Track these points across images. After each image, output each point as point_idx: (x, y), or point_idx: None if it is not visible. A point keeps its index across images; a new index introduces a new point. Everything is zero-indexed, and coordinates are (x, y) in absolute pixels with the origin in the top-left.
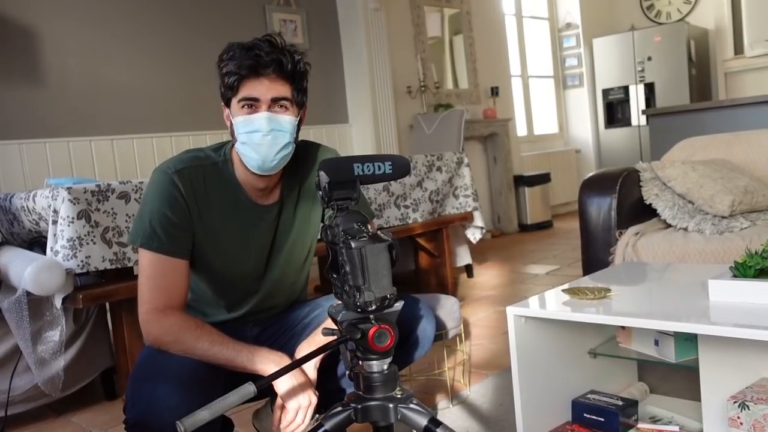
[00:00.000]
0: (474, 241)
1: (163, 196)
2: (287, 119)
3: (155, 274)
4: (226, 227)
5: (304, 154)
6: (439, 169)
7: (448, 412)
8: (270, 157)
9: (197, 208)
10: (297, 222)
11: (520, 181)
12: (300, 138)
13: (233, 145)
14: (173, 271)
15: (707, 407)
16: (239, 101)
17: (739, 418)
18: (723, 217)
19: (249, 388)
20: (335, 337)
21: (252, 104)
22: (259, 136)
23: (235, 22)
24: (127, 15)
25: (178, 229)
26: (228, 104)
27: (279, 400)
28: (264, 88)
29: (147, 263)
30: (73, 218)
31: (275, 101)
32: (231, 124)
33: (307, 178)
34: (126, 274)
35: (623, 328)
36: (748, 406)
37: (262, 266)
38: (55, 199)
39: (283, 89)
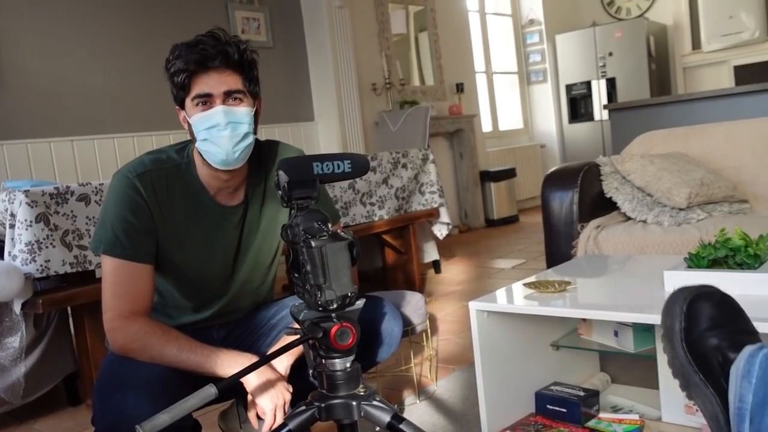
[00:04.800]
0: (441, 237)
1: (125, 201)
2: (243, 110)
3: (119, 280)
4: (190, 230)
5: (268, 153)
6: (404, 165)
7: (415, 408)
8: (231, 149)
9: (160, 212)
10: (263, 223)
11: (486, 177)
12: (261, 134)
13: (194, 146)
14: (137, 277)
15: (665, 395)
16: (193, 99)
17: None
18: (680, 209)
19: (210, 390)
20: (298, 337)
21: (206, 100)
22: (218, 130)
23: (197, 21)
24: (86, 14)
25: (141, 233)
26: (182, 106)
27: (250, 397)
28: (215, 82)
29: (110, 269)
30: (31, 222)
31: (228, 94)
32: (189, 125)
33: (271, 177)
34: (88, 278)
35: (584, 320)
36: None
37: (228, 268)
38: (12, 203)
39: (233, 81)
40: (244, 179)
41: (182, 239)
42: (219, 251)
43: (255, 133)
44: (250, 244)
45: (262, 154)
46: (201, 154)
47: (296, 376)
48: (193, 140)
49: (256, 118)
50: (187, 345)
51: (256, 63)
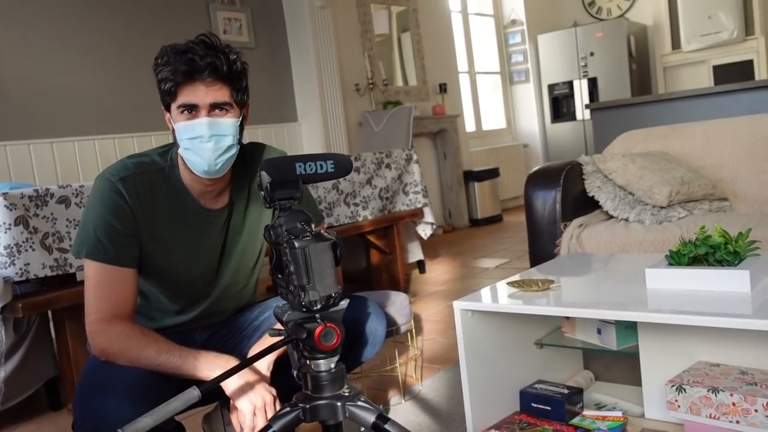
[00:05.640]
0: (425, 237)
1: (108, 205)
2: (228, 122)
3: (101, 284)
4: (174, 233)
5: (252, 156)
6: (388, 166)
7: (400, 408)
8: (213, 161)
9: (144, 216)
10: (247, 225)
11: (470, 177)
12: (245, 136)
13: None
14: (120, 281)
15: (648, 392)
16: (178, 107)
17: (676, 401)
18: (662, 208)
19: (193, 393)
20: (282, 338)
21: (191, 110)
22: (201, 142)
23: (178, 21)
24: (66, 14)
25: (124, 237)
26: (168, 109)
27: (233, 402)
28: (202, 93)
29: (93, 273)
30: (10, 224)
31: (215, 106)
32: (173, 128)
33: (255, 180)
34: (68, 281)
35: (568, 318)
36: (684, 389)
37: (213, 271)
38: None
39: (220, 93)
40: (228, 183)
41: (166, 242)
42: (203, 254)
43: (240, 142)
44: (234, 246)
45: (247, 157)
46: (184, 160)
47: (281, 375)
48: (176, 144)
49: (242, 126)
50: (166, 347)
51: (246, 72)
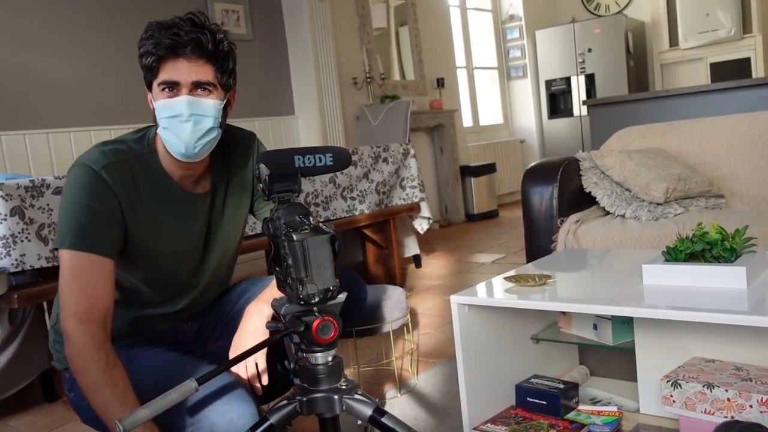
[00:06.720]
0: (421, 232)
1: (92, 193)
2: (210, 103)
3: (78, 274)
4: (162, 220)
5: (229, 140)
6: (385, 160)
7: (396, 402)
8: (192, 143)
9: (129, 204)
10: (228, 211)
11: (467, 172)
12: (235, 126)
13: (156, 132)
14: (98, 271)
15: (643, 387)
16: (159, 84)
17: (672, 396)
18: (658, 204)
19: (190, 385)
20: (280, 330)
21: (172, 87)
22: (180, 121)
23: (176, 12)
24: (63, 4)
25: (109, 225)
26: (149, 87)
27: None
28: (184, 70)
29: (69, 263)
30: (5, 215)
31: (197, 85)
32: (153, 108)
33: (235, 166)
34: None
35: (564, 313)
36: (680, 385)
37: (198, 258)
38: None
39: (204, 72)
40: (207, 168)
41: (154, 230)
42: (190, 240)
43: (222, 126)
44: (217, 233)
45: (223, 142)
46: (162, 141)
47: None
48: (155, 124)
49: (226, 111)
50: (120, 395)
51: (233, 54)
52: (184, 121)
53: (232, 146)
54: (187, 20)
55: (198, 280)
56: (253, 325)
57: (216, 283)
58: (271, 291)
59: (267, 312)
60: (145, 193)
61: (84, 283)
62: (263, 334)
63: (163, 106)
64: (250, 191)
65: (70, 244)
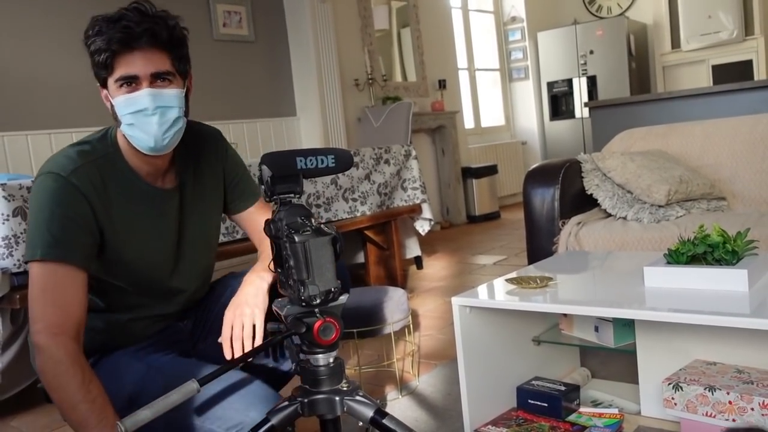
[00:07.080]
0: (423, 233)
1: (63, 201)
2: (173, 93)
3: (49, 287)
4: (134, 219)
5: (192, 134)
6: (387, 161)
7: (397, 403)
8: (161, 135)
9: (102, 208)
10: (198, 208)
11: (468, 173)
12: (242, 128)
13: (117, 130)
14: (70, 282)
15: (644, 390)
16: (116, 80)
17: (673, 399)
18: (660, 206)
19: (192, 386)
20: (281, 331)
21: (131, 82)
22: (145, 115)
23: (178, 13)
24: (65, 5)
25: (83, 234)
26: (104, 84)
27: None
28: (141, 62)
29: (40, 276)
30: (8, 216)
31: (156, 76)
32: (111, 105)
33: (203, 162)
34: None
35: (565, 315)
36: (681, 387)
37: (173, 254)
38: None
39: (161, 62)
40: (171, 162)
41: (129, 231)
42: (164, 238)
43: (187, 115)
44: (190, 229)
45: (185, 134)
46: (127, 139)
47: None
48: (116, 122)
49: (187, 98)
50: (98, 411)
51: (186, 40)
52: (149, 115)
53: (198, 141)
54: (134, 10)
55: (178, 279)
56: (255, 288)
57: (197, 279)
58: (262, 263)
59: (268, 278)
60: (115, 193)
61: (56, 296)
62: (264, 296)
63: (124, 102)
64: (222, 189)
65: (42, 254)
